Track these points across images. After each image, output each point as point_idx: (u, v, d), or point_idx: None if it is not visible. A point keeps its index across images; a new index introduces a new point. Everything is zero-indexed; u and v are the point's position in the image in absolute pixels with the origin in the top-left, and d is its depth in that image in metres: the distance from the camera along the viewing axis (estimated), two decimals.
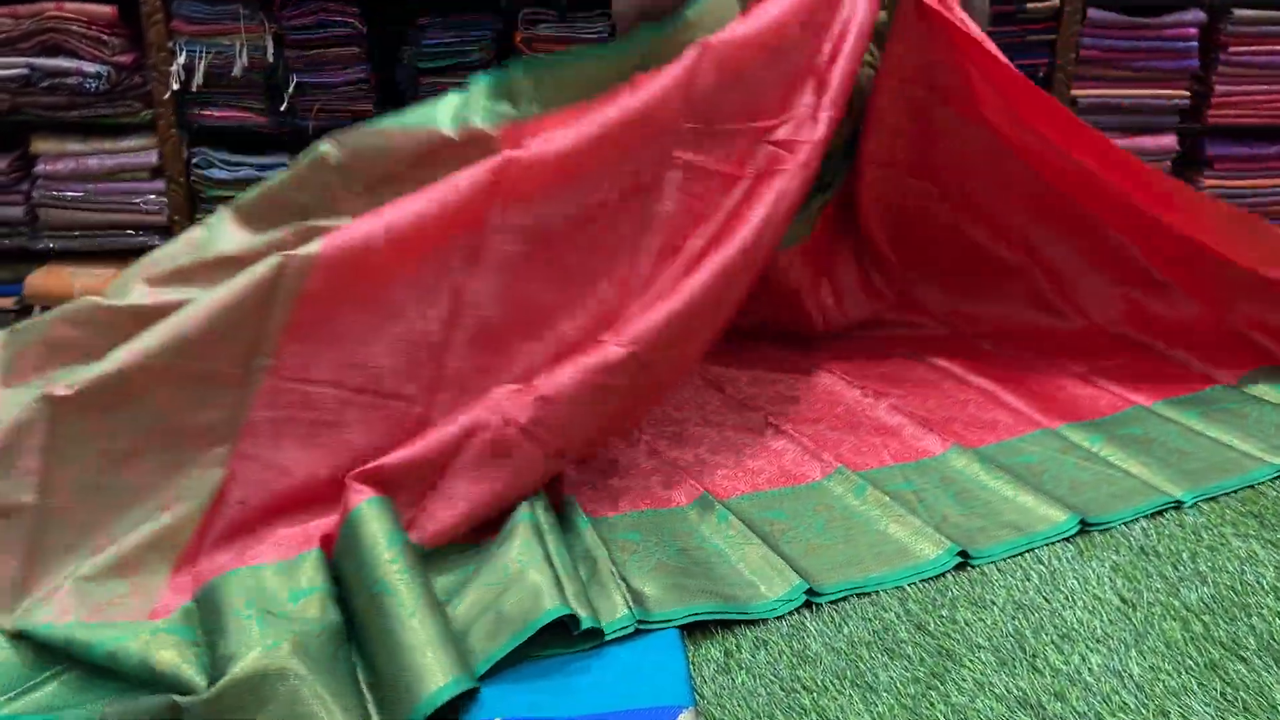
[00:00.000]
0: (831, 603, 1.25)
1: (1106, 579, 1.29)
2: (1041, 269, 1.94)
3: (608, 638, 1.16)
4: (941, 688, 1.11)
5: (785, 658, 1.16)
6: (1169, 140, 2.62)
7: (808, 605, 1.24)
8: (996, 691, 1.10)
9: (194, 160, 2.45)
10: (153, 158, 2.42)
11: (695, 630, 1.20)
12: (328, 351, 1.35)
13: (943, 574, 1.30)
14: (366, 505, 1.25)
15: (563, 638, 1.16)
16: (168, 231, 2.50)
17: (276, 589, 1.20)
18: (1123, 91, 2.58)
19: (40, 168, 2.40)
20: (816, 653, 1.17)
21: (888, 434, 1.65)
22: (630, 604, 1.20)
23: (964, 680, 1.12)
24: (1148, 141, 2.62)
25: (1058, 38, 2.52)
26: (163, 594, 1.24)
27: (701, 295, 1.44)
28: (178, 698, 1.05)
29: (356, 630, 1.17)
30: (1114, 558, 1.33)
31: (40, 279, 2.43)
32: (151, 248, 2.46)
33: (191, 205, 2.49)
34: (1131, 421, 1.69)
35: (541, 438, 1.35)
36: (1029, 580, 1.29)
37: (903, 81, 1.85)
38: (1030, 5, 2.49)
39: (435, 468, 1.33)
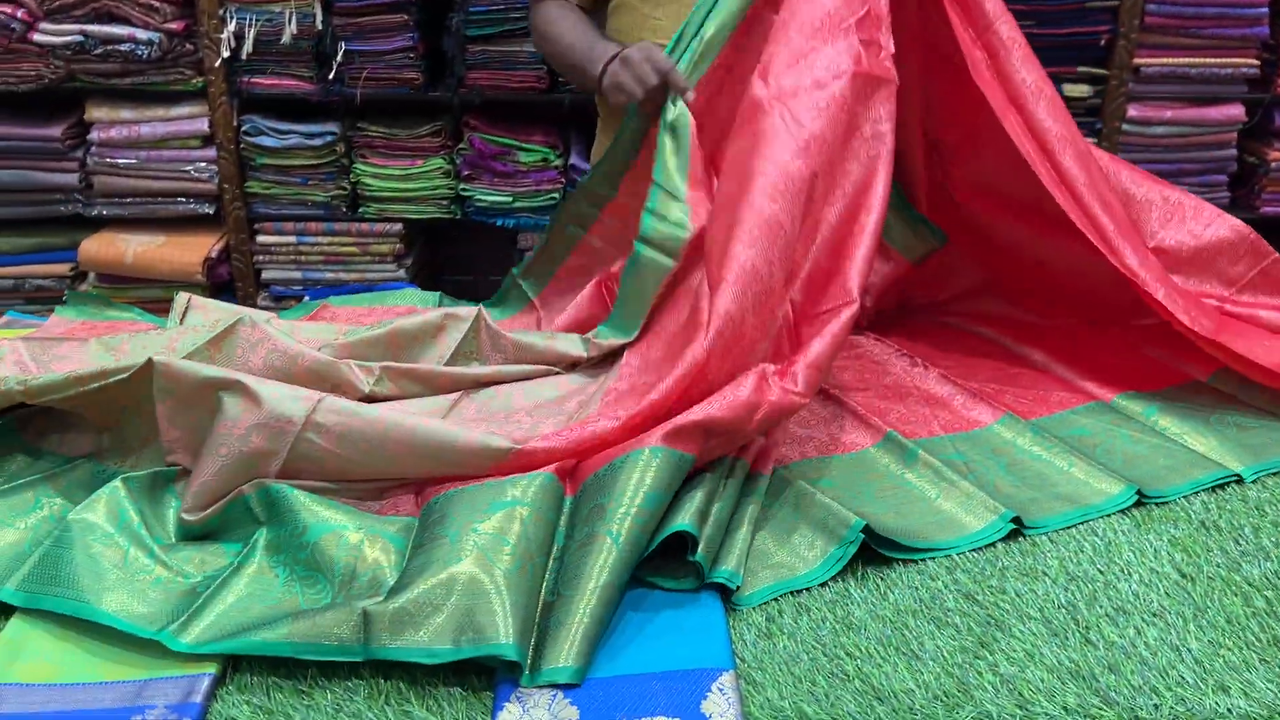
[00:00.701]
0: (877, 571, 1.22)
1: (1164, 552, 1.24)
2: (1078, 247, 1.82)
3: (707, 581, 1.18)
4: (990, 657, 1.08)
5: (829, 624, 1.14)
6: (1236, 110, 2.54)
7: (852, 573, 1.22)
8: (1047, 662, 1.07)
9: (244, 128, 2.47)
10: (203, 125, 2.44)
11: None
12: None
13: (992, 544, 1.27)
14: (650, 452, 1.22)
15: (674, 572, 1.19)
16: (217, 199, 2.52)
17: (478, 502, 1.19)
18: (1189, 60, 2.50)
19: (94, 135, 2.43)
20: (861, 620, 1.14)
21: (937, 404, 1.62)
22: (740, 564, 1.20)
23: (1013, 650, 1.09)
24: (1214, 112, 2.54)
25: (1121, 3, 2.45)
26: (393, 492, 1.27)
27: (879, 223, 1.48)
28: (367, 604, 1.05)
29: (563, 555, 1.17)
30: (1172, 531, 1.29)
31: (93, 246, 2.47)
32: (201, 215, 2.49)
33: (241, 173, 2.51)
34: (1187, 394, 1.64)
35: (807, 397, 1.37)
36: (1083, 552, 1.25)
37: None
38: None
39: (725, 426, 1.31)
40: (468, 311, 1.54)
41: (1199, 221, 1.69)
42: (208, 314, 1.64)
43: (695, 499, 1.22)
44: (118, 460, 1.31)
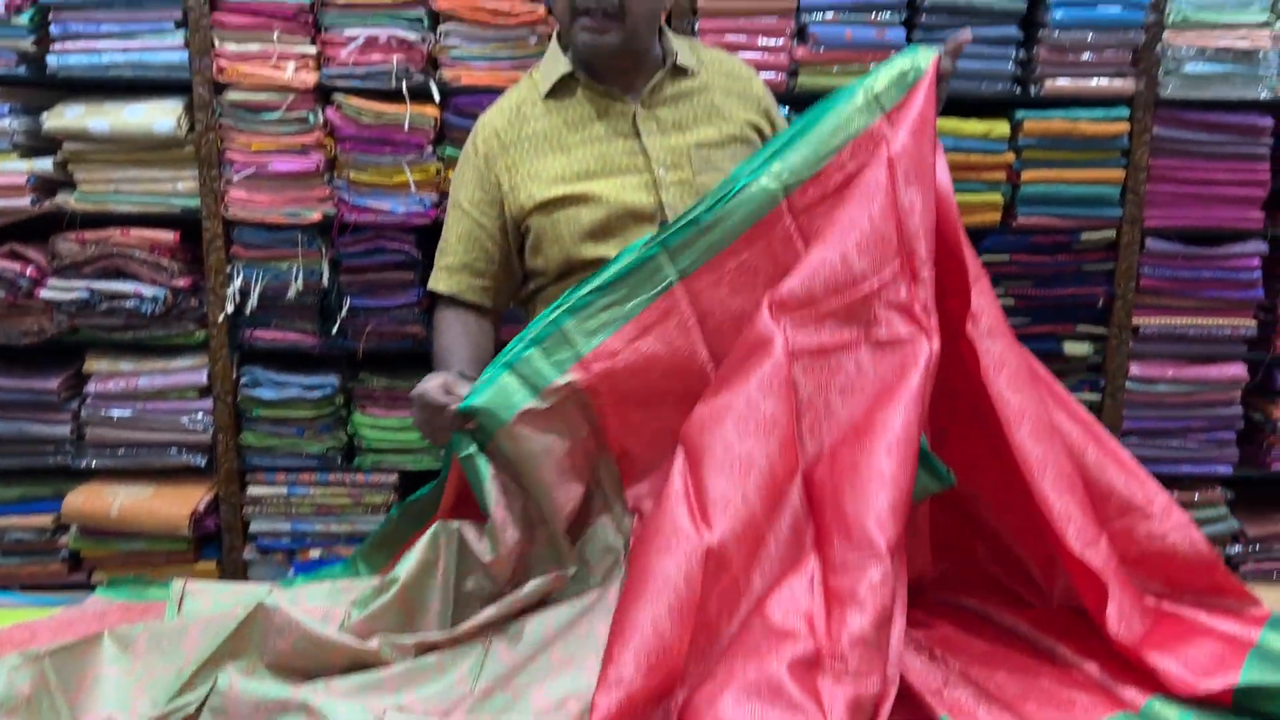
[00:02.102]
0: None
1: None
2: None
3: None
4: None
5: None
6: (1238, 369, 2.54)
7: None
8: None
9: (242, 379, 2.45)
10: (202, 377, 2.42)
11: None
12: None
13: None
14: None
15: None
16: (210, 450, 2.48)
17: None
18: (1187, 320, 2.52)
19: (91, 387, 2.41)
20: None
21: (958, 714, 1.51)
22: None
23: None
24: (1215, 371, 2.54)
25: (1116, 267, 2.49)
26: None
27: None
28: None
29: None
30: None
31: (79, 498, 2.40)
32: (192, 468, 2.44)
33: (236, 424, 2.48)
34: (1218, 701, 1.53)
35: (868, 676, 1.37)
36: None
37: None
38: (1085, 236, 2.47)
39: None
40: (447, 533, 1.50)
41: (1163, 523, 1.61)
42: (206, 599, 1.60)
43: None
44: None
